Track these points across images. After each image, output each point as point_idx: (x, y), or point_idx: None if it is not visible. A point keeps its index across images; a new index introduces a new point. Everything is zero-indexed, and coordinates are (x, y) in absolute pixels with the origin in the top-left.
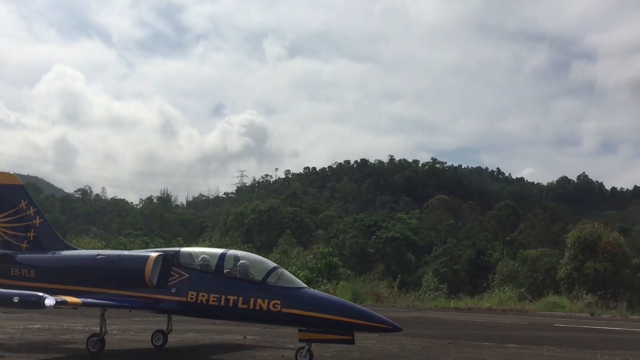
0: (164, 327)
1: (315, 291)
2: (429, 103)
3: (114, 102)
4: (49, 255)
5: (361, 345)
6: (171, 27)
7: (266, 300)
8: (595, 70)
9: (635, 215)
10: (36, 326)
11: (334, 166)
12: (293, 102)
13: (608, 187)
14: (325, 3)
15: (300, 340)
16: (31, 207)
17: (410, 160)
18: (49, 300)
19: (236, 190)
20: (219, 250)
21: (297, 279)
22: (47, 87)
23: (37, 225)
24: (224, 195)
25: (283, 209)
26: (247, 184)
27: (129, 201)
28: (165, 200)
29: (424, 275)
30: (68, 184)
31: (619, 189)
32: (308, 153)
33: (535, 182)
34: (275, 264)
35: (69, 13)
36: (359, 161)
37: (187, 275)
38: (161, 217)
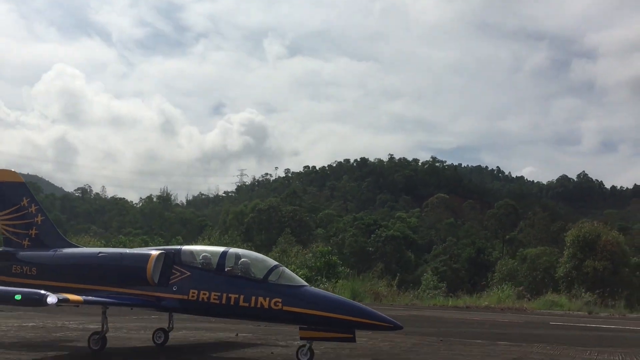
0: (165, 325)
1: (317, 289)
2: (429, 102)
3: (114, 101)
4: (50, 252)
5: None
6: (171, 26)
7: (267, 299)
8: (595, 69)
9: (635, 214)
10: (30, 324)
11: (334, 165)
12: (293, 101)
13: (608, 185)
14: (326, 2)
15: (301, 338)
16: (33, 205)
17: (410, 159)
18: (51, 298)
19: (236, 189)
20: (221, 249)
21: (298, 277)
22: (47, 86)
23: (39, 222)
24: (224, 194)
25: (283, 207)
26: (247, 183)
27: (129, 200)
28: (165, 199)
29: (424, 273)
30: (68, 183)
31: (618, 187)
32: (308, 152)
33: (535, 181)
34: (276, 262)
35: (69, 12)
36: (358, 160)
37: (189, 274)
38: (161, 216)
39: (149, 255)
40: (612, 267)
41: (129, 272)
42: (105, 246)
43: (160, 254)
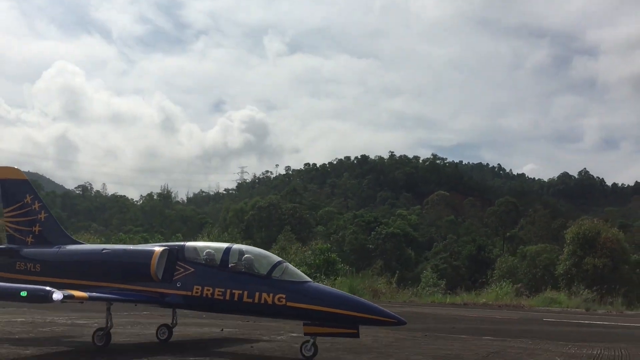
0: (168, 321)
1: (320, 285)
2: (430, 99)
3: (114, 98)
4: (54, 249)
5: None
6: (171, 23)
7: (271, 294)
8: (597, 66)
9: (636, 211)
10: (19, 319)
11: (334, 162)
12: (293, 98)
13: (609, 183)
14: None
15: (305, 334)
16: (36, 202)
17: (410, 156)
18: (57, 295)
19: (237, 186)
20: (224, 245)
21: (301, 273)
22: (48, 84)
23: (42, 219)
24: (224, 192)
25: (283, 205)
26: (247, 180)
27: (130, 197)
28: (165, 196)
29: (423, 271)
30: (68, 181)
31: (620, 185)
32: (308, 149)
33: (536, 178)
34: (280, 258)
35: (69, 9)
36: (359, 157)
37: (192, 270)
38: (161, 214)
39: (152, 252)
40: (612, 264)
41: (133, 268)
42: (105, 244)
43: (164, 250)
